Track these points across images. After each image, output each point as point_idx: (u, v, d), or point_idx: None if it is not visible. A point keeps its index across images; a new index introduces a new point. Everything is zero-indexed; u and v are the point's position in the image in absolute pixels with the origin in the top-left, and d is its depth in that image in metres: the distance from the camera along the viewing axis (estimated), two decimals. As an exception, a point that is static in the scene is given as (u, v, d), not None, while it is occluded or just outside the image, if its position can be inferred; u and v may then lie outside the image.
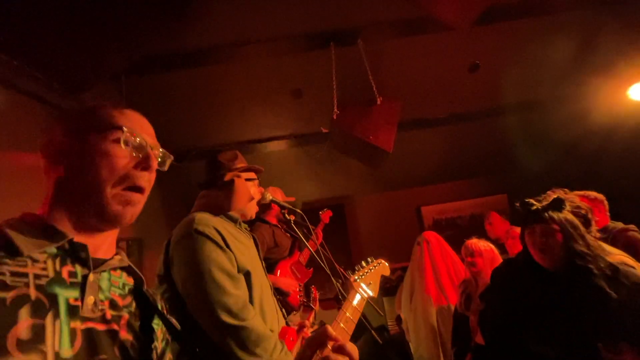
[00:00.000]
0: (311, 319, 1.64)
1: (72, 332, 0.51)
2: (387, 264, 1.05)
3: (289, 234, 2.72)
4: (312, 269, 2.62)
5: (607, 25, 2.90)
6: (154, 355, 0.63)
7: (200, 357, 0.65)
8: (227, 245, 1.20)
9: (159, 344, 0.66)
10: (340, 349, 0.63)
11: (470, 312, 2.04)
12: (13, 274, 0.49)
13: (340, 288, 1.46)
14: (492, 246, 2.08)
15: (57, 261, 0.55)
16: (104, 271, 0.60)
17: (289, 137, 3.68)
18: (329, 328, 0.65)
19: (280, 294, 2.35)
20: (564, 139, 3.68)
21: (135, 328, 0.61)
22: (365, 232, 4.48)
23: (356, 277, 0.90)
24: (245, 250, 1.29)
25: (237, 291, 1.14)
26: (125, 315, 0.60)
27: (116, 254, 0.65)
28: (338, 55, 2.81)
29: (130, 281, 0.66)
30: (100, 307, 0.57)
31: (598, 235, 1.43)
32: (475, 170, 4.34)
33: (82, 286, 0.55)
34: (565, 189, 1.63)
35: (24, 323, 0.47)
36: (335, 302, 1.33)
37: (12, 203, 2.02)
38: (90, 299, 0.55)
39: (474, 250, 2.06)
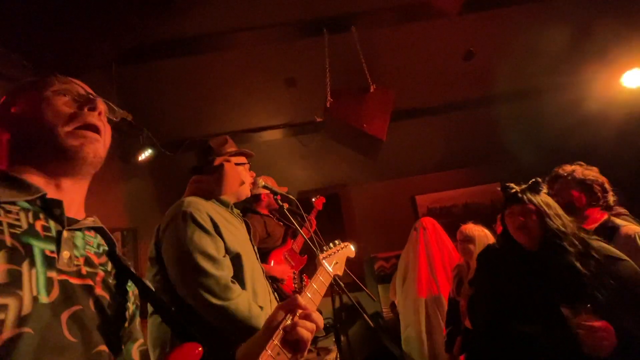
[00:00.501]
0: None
1: (49, 281, 0.51)
2: (353, 248, 1.11)
3: (281, 223, 2.73)
4: (306, 256, 2.64)
5: (601, 12, 2.89)
6: (127, 315, 0.64)
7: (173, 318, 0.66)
8: (216, 228, 1.22)
9: (130, 305, 0.67)
10: (307, 317, 0.68)
11: (460, 296, 2.08)
12: None
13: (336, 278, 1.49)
14: (487, 231, 2.11)
15: (30, 215, 0.54)
16: (78, 230, 0.60)
17: (283, 127, 3.67)
18: (299, 297, 0.70)
19: (274, 281, 2.38)
20: (558, 127, 3.70)
21: (110, 286, 0.62)
22: (360, 221, 4.51)
23: (324, 256, 0.93)
24: (235, 232, 1.31)
25: (218, 272, 1.16)
26: (101, 272, 0.61)
27: (88, 216, 0.65)
28: (331, 43, 2.78)
29: (103, 244, 0.66)
30: (75, 263, 0.56)
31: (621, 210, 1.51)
32: (470, 159, 4.36)
33: (57, 241, 0.55)
34: (581, 162, 1.66)
35: (0, 267, 0.46)
36: (329, 288, 1.37)
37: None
38: (65, 254, 0.55)
39: (468, 234, 2.09)
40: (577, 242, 1.23)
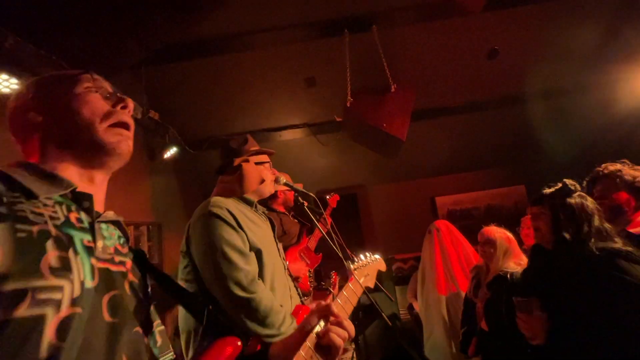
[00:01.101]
0: (329, 301, 1.69)
1: (92, 267, 0.54)
2: (384, 262, 1.11)
3: (296, 220, 2.76)
4: (321, 254, 2.65)
5: (632, 10, 2.76)
6: (149, 300, 0.67)
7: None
8: (239, 225, 1.27)
9: (150, 291, 0.69)
10: (339, 324, 0.70)
11: (477, 298, 2.04)
12: (32, 212, 0.51)
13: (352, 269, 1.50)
14: (509, 234, 2.06)
15: (64, 207, 0.56)
16: (104, 222, 0.63)
17: (302, 126, 3.70)
18: (332, 304, 0.72)
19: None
20: (587, 129, 3.55)
21: (137, 272, 0.66)
22: (378, 221, 4.49)
23: (355, 267, 0.95)
24: (257, 230, 1.35)
25: (247, 266, 1.20)
26: (129, 261, 0.64)
27: (107, 210, 0.67)
28: (352, 43, 2.79)
29: (122, 235, 0.69)
30: (108, 252, 0.60)
31: None
32: (492, 160, 4.25)
33: (92, 231, 0.58)
34: (625, 160, 1.57)
35: (51, 253, 0.49)
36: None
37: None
38: (100, 243, 0.58)
39: (489, 237, 2.05)
40: (591, 251, 1.18)
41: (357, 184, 4.49)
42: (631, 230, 1.41)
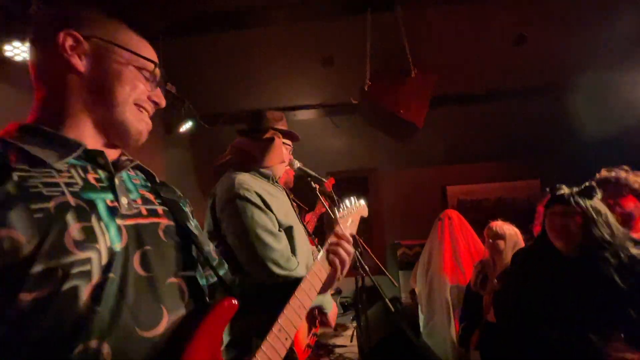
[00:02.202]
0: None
1: (118, 229, 0.54)
2: (366, 208, 1.15)
3: (294, 203, 2.78)
4: (317, 238, 2.68)
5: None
6: (196, 240, 0.67)
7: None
8: (267, 206, 1.31)
9: (194, 230, 0.69)
10: (341, 243, 0.83)
11: (485, 291, 2.06)
12: (45, 185, 0.49)
13: (358, 255, 1.53)
14: (516, 230, 2.05)
15: (79, 169, 0.55)
16: (123, 171, 0.62)
17: (317, 107, 3.66)
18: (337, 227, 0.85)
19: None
20: (613, 127, 3.41)
21: (169, 215, 0.64)
22: (386, 206, 4.50)
23: (341, 215, 0.99)
24: (281, 205, 1.40)
25: (280, 245, 1.28)
26: (160, 207, 0.63)
27: (122, 154, 0.66)
28: (373, 23, 2.70)
29: (142, 174, 0.68)
30: (134, 206, 0.59)
31: None
32: (508, 152, 4.16)
33: (112, 189, 0.57)
34: (625, 167, 1.55)
35: (73, 227, 0.49)
36: (352, 268, 1.42)
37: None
38: (123, 199, 0.57)
39: (498, 232, 2.05)
40: (622, 255, 1.17)
41: (369, 167, 4.48)
42: (635, 236, 1.40)
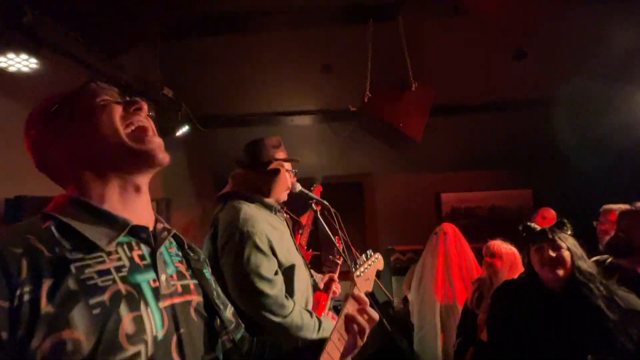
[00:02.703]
0: (337, 273, 1.76)
1: (160, 313, 0.55)
2: (382, 259, 1.11)
3: (289, 216, 2.78)
4: (311, 250, 2.69)
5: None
6: (216, 299, 0.69)
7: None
8: (272, 250, 1.31)
9: (215, 289, 0.73)
10: (364, 310, 0.78)
11: (480, 310, 2.09)
12: (99, 273, 0.51)
13: (350, 263, 1.54)
14: (515, 250, 2.08)
15: (126, 247, 0.57)
16: (163, 245, 0.63)
17: (315, 113, 3.65)
18: (357, 292, 0.81)
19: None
20: (607, 140, 3.47)
21: (199, 288, 0.66)
22: (381, 211, 4.53)
23: (358, 273, 0.95)
24: (284, 241, 1.39)
25: (273, 291, 1.27)
26: (191, 282, 0.65)
27: (156, 221, 0.67)
28: (375, 33, 2.68)
29: (174, 241, 0.70)
30: (172, 283, 0.60)
31: None
32: (502, 161, 4.21)
33: (154, 266, 0.58)
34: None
35: (126, 319, 0.50)
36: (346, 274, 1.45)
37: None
38: (163, 277, 0.59)
39: (496, 251, 2.06)
40: (602, 288, 1.22)
41: (364, 172, 4.49)
42: None
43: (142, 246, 0.59)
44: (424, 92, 2.59)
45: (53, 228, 0.53)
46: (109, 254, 0.54)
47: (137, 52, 2.53)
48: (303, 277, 1.41)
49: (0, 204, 1.79)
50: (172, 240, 0.68)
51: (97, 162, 0.60)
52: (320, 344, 0.70)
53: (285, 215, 2.80)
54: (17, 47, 1.54)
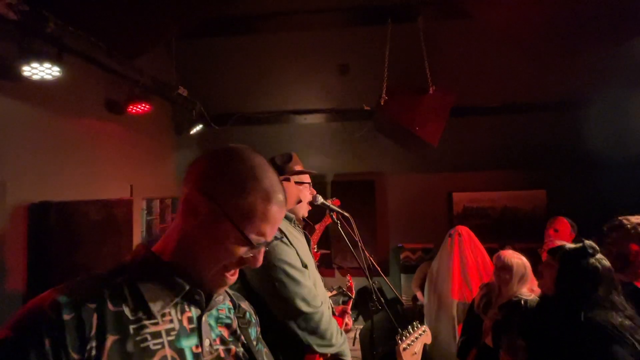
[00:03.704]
0: (349, 306, 1.78)
1: None
2: (429, 333, 1.04)
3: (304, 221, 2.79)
4: (319, 252, 2.72)
5: None
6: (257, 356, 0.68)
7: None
8: (291, 243, 1.32)
9: (260, 346, 0.73)
10: None
11: (487, 316, 2.11)
12: (152, 336, 0.54)
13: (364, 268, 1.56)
14: (525, 261, 2.07)
15: (178, 309, 0.58)
16: (213, 309, 0.64)
17: (329, 112, 3.62)
18: None
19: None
20: (623, 145, 3.40)
21: (241, 356, 0.66)
22: (392, 210, 4.53)
23: (404, 346, 0.92)
24: (301, 246, 1.40)
25: (308, 282, 1.27)
26: (233, 347, 0.65)
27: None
28: (393, 34, 2.63)
29: (230, 304, 0.70)
30: (214, 348, 0.61)
31: None
32: (516, 162, 4.16)
33: (199, 331, 0.59)
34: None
35: None
36: (362, 271, 1.50)
37: (78, 167, 2.19)
38: (206, 342, 0.60)
39: (506, 262, 2.06)
40: (579, 319, 1.22)
41: (376, 171, 4.47)
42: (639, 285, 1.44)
43: (192, 308, 0.60)
44: (442, 96, 2.56)
45: (124, 285, 0.56)
46: (162, 316, 0.56)
47: (153, 53, 2.53)
48: (320, 286, 1.43)
49: (25, 209, 1.83)
50: (225, 301, 0.68)
51: (188, 256, 0.59)
52: None
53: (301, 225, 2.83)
54: (41, 56, 1.55)
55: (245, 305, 0.75)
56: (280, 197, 0.60)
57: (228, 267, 0.60)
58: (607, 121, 3.40)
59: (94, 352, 0.48)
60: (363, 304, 3.93)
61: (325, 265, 4.41)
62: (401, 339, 0.92)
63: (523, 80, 3.22)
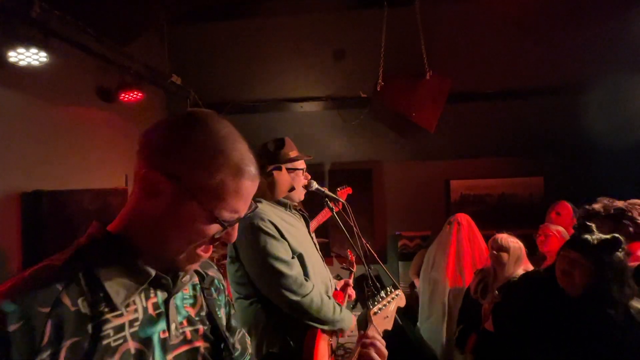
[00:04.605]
0: (352, 279, 1.83)
1: None
2: (403, 296, 1.04)
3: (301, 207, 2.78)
4: (320, 239, 2.73)
5: None
6: (227, 342, 0.65)
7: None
8: (281, 234, 1.35)
9: (228, 310, 0.71)
10: (374, 345, 0.79)
11: (485, 300, 2.12)
12: (115, 330, 0.50)
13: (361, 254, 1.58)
14: (521, 244, 2.08)
15: (143, 296, 0.55)
16: (180, 292, 0.61)
17: (325, 99, 3.58)
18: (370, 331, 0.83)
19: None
20: (622, 132, 3.37)
21: (209, 335, 0.63)
22: (390, 198, 4.52)
23: (375, 310, 0.91)
24: (296, 232, 1.43)
25: (293, 272, 1.32)
26: (201, 327, 0.62)
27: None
28: (390, 18, 2.58)
29: (196, 280, 0.66)
30: (181, 330, 0.59)
31: None
32: (514, 149, 4.14)
33: (166, 314, 0.56)
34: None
35: None
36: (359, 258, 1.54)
37: (71, 155, 2.16)
38: (173, 326, 0.57)
39: (503, 245, 2.07)
40: (622, 312, 1.19)
41: (373, 159, 4.45)
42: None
43: (159, 292, 0.57)
44: (439, 82, 2.52)
45: (81, 276, 0.50)
46: (126, 306, 0.52)
47: (145, 39, 2.47)
48: (318, 268, 1.46)
49: (17, 198, 1.82)
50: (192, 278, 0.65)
51: (150, 237, 0.55)
52: None
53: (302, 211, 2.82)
54: (27, 41, 1.51)
55: (212, 272, 0.71)
56: (252, 169, 0.56)
57: (200, 245, 0.55)
58: (606, 108, 3.37)
59: None
60: (361, 291, 3.97)
61: (323, 254, 4.43)
62: (373, 304, 0.92)
63: (521, 66, 3.17)
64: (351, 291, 1.66)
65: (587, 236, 1.24)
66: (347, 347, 3.33)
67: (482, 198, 4.28)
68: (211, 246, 0.58)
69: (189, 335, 0.60)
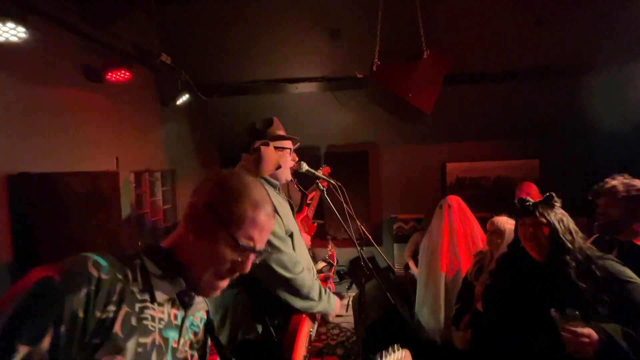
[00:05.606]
0: (332, 272, 1.82)
1: None
2: (410, 356, 1.01)
3: (298, 188, 2.77)
4: (316, 223, 2.73)
5: None
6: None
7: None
8: (276, 211, 1.30)
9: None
10: None
11: (478, 282, 2.15)
12: (152, 318, 0.62)
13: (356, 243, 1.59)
14: None
15: (170, 305, 0.66)
16: (195, 313, 0.72)
17: (320, 80, 3.50)
18: None
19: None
20: (620, 117, 3.34)
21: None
22: (386, 181, 4.52)
23: None
24: (286, 213, 1.42)
25: (289, 249, 1.32)
26: (195, 355, 0.74)
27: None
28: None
29: (204, 314, 0.78)
30: (185, 349, 0.69)
31: None
32: (509, 131, 4.11)
33: (181, 329, 0.68)
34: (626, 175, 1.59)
35: None
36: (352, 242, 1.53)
37: (57, 137, 2.11)
38: (182, 341, 0.68)
39: (499, 227, 2.08)
40: (580, 258, 1.28)
41: (370, 142, 4.41)
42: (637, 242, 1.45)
43: (180, 308, 0.68)
44: (436, 62, 2.46)
45: (138, 268, 0.64)
46: (160, 305, 0.64)
47: (133, 18, 2.38)
48: (305, 253, 1.46)
49: (3, 180, 1.77)
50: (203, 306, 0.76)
51: (189, 257, 0.68)
52: None
53: (295, 187, 2.80)
54: (3, 15, 1.44)
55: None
56: (269, 208, 0.71)
57: (220, 273, 0.68)
58: (604, 91, 3.33)
59: (111, 315, 0.56)
60: (356, 273, 4.01)
61: (319, 237, 4.46)
62: (381, 358, 0.91)
63: (519, 47, 3.10)
64: (331, 285, 1.67)
65: (526, 202, 1.38)
66: (343, 327, 3.37)
67: (477, 181, 4.28)
68: (228, 280, 0.70)
69: (188, 357, 0.71)
